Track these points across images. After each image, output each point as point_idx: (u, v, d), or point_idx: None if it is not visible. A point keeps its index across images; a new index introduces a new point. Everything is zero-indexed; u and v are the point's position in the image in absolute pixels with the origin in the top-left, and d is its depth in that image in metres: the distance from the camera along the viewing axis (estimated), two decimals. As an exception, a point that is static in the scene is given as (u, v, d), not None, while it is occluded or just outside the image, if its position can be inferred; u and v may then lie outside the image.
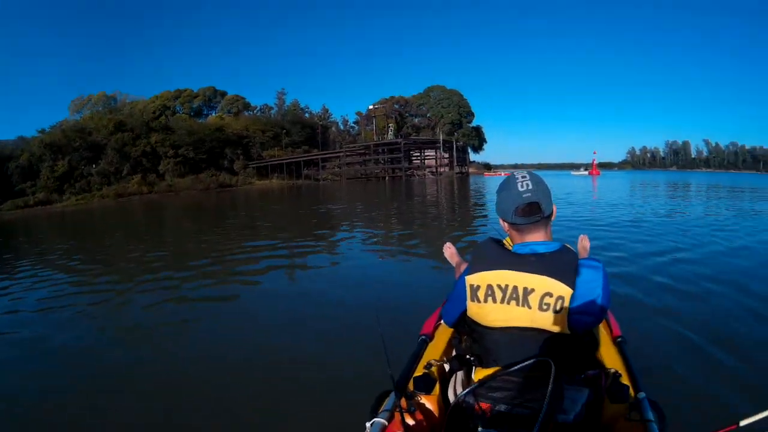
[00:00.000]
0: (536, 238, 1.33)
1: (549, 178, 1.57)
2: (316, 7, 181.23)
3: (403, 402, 1.34)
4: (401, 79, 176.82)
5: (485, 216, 13.51)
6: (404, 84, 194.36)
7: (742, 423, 1.15)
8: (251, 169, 42.18)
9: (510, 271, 1.28)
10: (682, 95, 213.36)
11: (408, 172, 51.91)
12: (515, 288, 1.28)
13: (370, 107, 61.28)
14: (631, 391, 1.48)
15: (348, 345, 3.40)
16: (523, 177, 1.34)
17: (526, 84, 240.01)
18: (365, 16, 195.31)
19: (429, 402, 1.44)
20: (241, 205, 20.58)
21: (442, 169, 56.40)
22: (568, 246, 1.34)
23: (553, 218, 1.39)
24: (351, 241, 8.77)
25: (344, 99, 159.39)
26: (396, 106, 62.86)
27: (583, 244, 2.21)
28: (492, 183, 40.00)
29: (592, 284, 1.27)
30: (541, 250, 1.30)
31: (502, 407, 1.27)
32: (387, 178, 49.12)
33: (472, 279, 1.33)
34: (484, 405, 1.28)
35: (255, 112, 55.55)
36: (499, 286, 1.30)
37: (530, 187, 1.30)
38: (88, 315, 4.47)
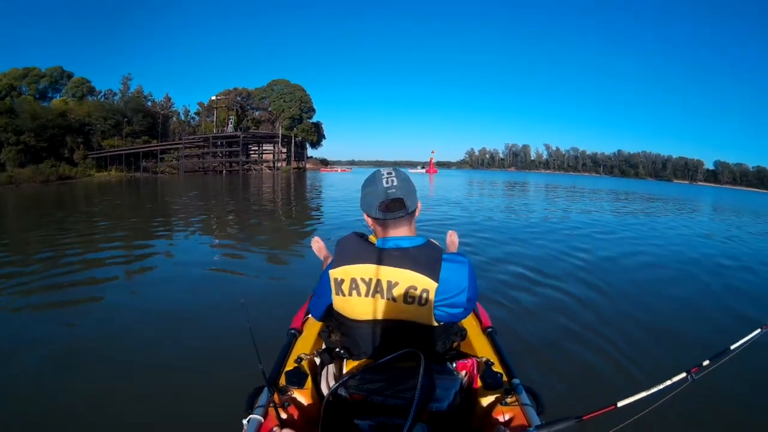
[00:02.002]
0: (400, 233, 1.46)
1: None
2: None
3: (277, 397, 1.43)
4: (247, 70, 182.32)
5: (321, 212, 14.91)
6: (249, 75, 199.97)
7: (620, 404, 1.31)
8: (90, 160, 41.68)
9: (373, 265, 1.41)
10: (527, 103, 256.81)
11: (245, 167, 55.52)
12: (379, 281, 1.40)
13: (213, 98, 63.25)
14: (505, 377, 1.65)
15: (219, 343, 3.56)
16: (388, 173, 1.46)
17: (367, 81, 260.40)
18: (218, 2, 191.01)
19: (302, 396, 1.54)
20: (82, 201, 18.53)
21: (279, 164, 60.60)
22: (433, 241, 1.49)
23: (417, 214, 1.53)
24: (198, 239, 8.84)
25: (188, 88, 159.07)
26: (238, 98, 65.71)
27: (452, 239, 2.32)
28: (328, 179, 42.90)
29: (457, 278, 1.42)
30: (405, 244, 1.43)
31: (376, 398, 1.35)
32: (224, 172, 52.47)
33: (335, 273, 1.45)
34: (357, 396, 1.36)
35: (99, 97, 53.66)
36: (362, 280, 1.42)
37: (395, 183, 1.43)
38: None
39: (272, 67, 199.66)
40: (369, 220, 1.51)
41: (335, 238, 1.60)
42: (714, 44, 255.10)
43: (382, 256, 1.42)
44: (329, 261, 1.55)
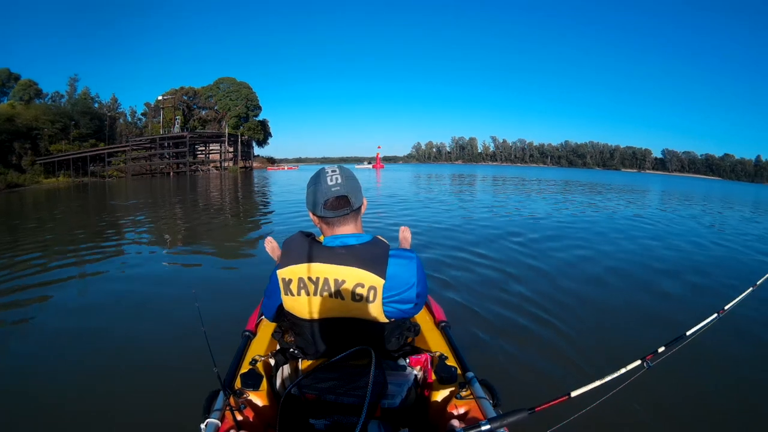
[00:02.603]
0: (346, 231, 1.50)
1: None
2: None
3: (233, 400, 1.46)
4: (194, 68, 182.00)
5: (270, 211, 15.10)
6: (197, 73, 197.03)
7: (573, 394, 1.34)
8: (38, 166, 42.29)
9: (321, 264, 1.43)
10: (473, 96, 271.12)
11: (192, 167, 55.99)
12: (326, 280, 1.43)
13: (159, 98, 63.29)
14: (459, 371, 1.70)
15: (174, 348, 3.60)
16: (333, 171, 1.49)
17: (312, 77, 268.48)
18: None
19: (258, 398, 1.56)
20: (30, 210, 18.21)
21: (226, 164, 61.05)
22: (380, 238, 1.51)
23: (363, 211, 1.56)
24: (148, 245, 8.85)
25: (135, 88, 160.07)
26: (185, 98, 65.94)
27: (404, 235, 2.30)
28: (275, 177, 43.73)
29: (405, 274, 1.45)
30: (352, 242, 1.47)
31: (329, 397, 1.39)
32: (172, 173, 52.84)
33: (283, 273, 1.48)
34: (311, 396, 1.40)
35: (46, 100, 52.39)
36: (310, 279, 1.44)
37: (339, 180, 1.47)
38: None
39: (220, 65, 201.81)
40: (315, 219, 1.54)
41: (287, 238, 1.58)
42: (659, 33, 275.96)
43: (328, 254, 1.43)
44: None
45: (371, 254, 1.45)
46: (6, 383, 3.28)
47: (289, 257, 1.49)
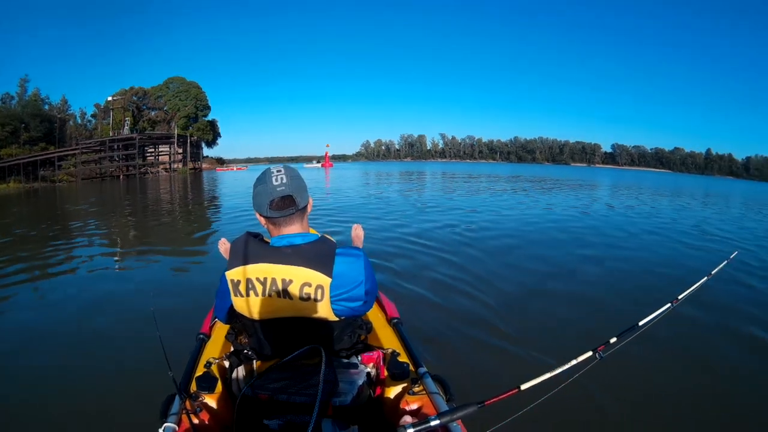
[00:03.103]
0: (292, 231, 1.54)
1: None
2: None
3: (189, 403, 1.49)
4: (144, 68, 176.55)
5: (219, 213, 15.43)
6: (147, 73, 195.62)
7: (523, 387, 1.39)
8: None
9: (268, 264, 1.46)
10: (422, 94, 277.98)
11: (142, 170, 56.10)
12: (274, 280, 1.46)
13: (109, 99, 63.16)
14: (412, 367, 1.74)
15: (129, 354, 3.62)
16: (278, 171, 1.52)
17: (262, 77, 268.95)
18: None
19: (214, 400, 1.60)
20: None
21: (176, 165, 61.25)
22: (327, 236, 1.57)
23: (309, 210, 1.61)
24: (99, 250, 8.89)
25: (85, 89, 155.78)
26: (134, 98, 65.66)
27: (357, 232, 2.37)
28: (225, 178, 44.25)
29: (353, 272, 1.51)
30: (298, 241, 1.51)
31: (282, 396, 1.42)
32: (122, 176, 52.76)
33: (231, 274, 1.51)
34: (264, 396, 1.43)
35: None
36: (258, 279, 1.48)
37: (284, 180, 1.50)
38: None
39: (170, 64, 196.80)
40: (261, 219, 1.58)
41: (235, 239, 1.61)
42: (608, 28, 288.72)
43: (275, 254, 1.47)
44: None
45: (317, 253, 1.48)
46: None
47: (237, 258, 1.51)
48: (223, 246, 2.07)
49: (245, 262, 1.51)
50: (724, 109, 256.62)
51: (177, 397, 1.51)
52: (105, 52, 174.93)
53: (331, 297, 1.50)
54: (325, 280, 1.47)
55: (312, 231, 1.67)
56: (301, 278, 1.47)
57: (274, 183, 1.52)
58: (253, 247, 1.53)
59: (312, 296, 1.49)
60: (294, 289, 1.48)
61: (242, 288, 1.52)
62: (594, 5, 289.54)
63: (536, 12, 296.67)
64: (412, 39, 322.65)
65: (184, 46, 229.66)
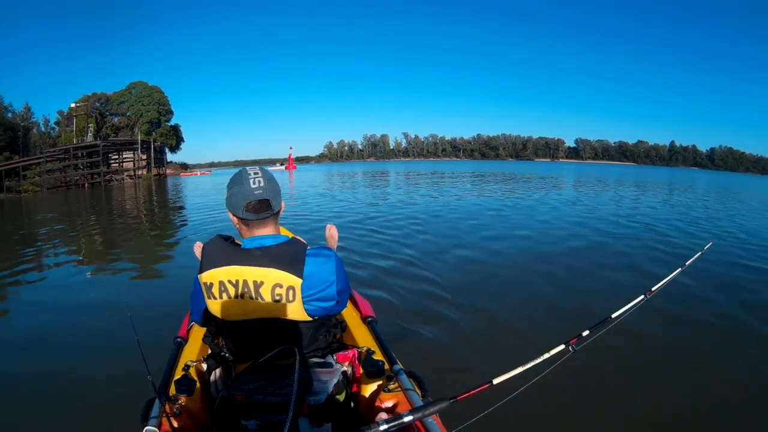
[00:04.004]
0: (265, 233, 1.58)
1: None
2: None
3: (168, 407, 1.50)
4: (106, 72, 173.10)
5: (185, 217, 15.73)
6: (109, 77, 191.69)
7: (495, 381, 1.43)
8: None
9: (239, 266, 1.49)
10: (383, 93, 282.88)
11: (107, 177, 56.38)
12: (246, 282, 1.49)
13: (72, 105, 63.57)
14: (387, 365, 1.77)
15: (108, 359, 3.71)
16: (255, 174, 1.55)
17: (223, 80, 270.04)
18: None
19: (192, 403, 1.64)
20: None
21: (140, 172, 61.51)
22: (298, 238, 1.61)
23: (281, 214, 1.65)
24: (72, 259, 9.02)
25: (48, 95, 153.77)
26: (97, 104, 65.96)
27: (331, 233, 2.44)
28: (189, 183, 44.91)
29: (324, 272, 1.54)
30: (269, 243, 1.54)
31: (257, 397, 1.45)
32: (86, 184, 52.60)
33: (204, 277, 1.54)
34: (240, 397, 1.47)
35: None
36: (230, 282, 1.50)
37: (262, 184, 1.53)
38: None
39: (132, 68, 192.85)
40: (234, 219, 1.60)
41: (206, 242, 1.64)
42: (569, 20, 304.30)
43: (246, 256, 1.50)
44: None
45: (288, 254, 1.51)
46: None
47: (209, 261, 1.54)
48: (199, 249, 2.03)
49: (217, 265, 1.53)
50: (688, 100, 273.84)
51: (156, 401, 1.54)
52: (68, 57, 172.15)
53: (303, 297, 1.53)
54: (296, 281, 1.50)
55: (284, 232, 1.75)
56: (272, 280, 1.50)
57: (252, 186, 1.54)
58: (224, 250, 1.56)
59: (284, 297, 1.51)
60: (266, 291, 1.51)
61: (215, 290, 1.54)
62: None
63: (495, 7, 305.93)
64: (374, 38, 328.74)
65: (147, 49, 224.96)
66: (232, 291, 1.54)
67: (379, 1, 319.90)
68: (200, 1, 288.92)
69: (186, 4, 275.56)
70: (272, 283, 1.52)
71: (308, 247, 1.61)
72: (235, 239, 1.66)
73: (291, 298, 1.53)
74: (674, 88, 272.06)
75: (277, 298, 1.53)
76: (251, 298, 1.54)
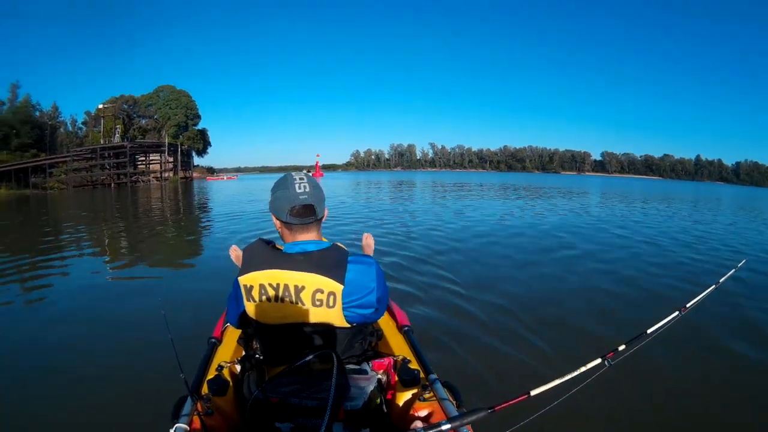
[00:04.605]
0: (307, 238, 1.59)
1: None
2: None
3: (200, 405, 1.53)
4: (135, 75, 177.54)
5: (215, 221, 15.43)
6: (138, 80, 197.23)
7: (533, 393, 1.41)
8: None
9: (280, 270, 1.50)
10: (411, 103, 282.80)
11: (133, 178, 56.74)
12: (286, 286, 1.50)
13: (100, 106, 64.25)
14: (422, 374, 1.78)
15: (141, 356, 3.75)
16: (300, 179, 1.57)
17: (252, 86, 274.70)
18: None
19: (225, 403, 1.66)
20: None
21: (167, 174, 62.00)
22: (339, 244, 1.59)
23: (324, 219, 1.66)
24: (100, 256, 9.22)
25: (76, 96, 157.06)
26: (125, 106, 66.48)
27: (368, 241, 2.48)
28: (215, 187, 45.19)
29: (364, 279, 1.55)
30: (311, 248, 1.54)
31: (293, 400, 1.46)
32: (113, 184, 53.00)
33: (244, 280, 1.55)
34: (275, 399, 1.48)
35: None
36: (271, 285, 1.51)
37: (307, 189, 1.55)
38: None
39: (159, 71, 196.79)
40: (277, 223, 1.62)
41: (248, 245, 1.66)
42: (596, 36, 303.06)
43: (288, 260, 1.51)
44: None
45: (330, 260, 1.51)
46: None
47: (250, 264, 1.55)
48: (234, 253, 2.15)
49: (258, 268, 1.54)
50: (713, 115, 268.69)
51: (188, 399, 1.55)
52: (96, 59, 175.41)
53: (342, 304, 1.52)
54: (337, 287, 1.50)
55: (324, 239, 1.70)
56: (314, 285, 1.50)
57: (297, 190, 1.55)
58: (266, 254, 1.57)
59: (324, 303, 1.52)
60: (306, 296, 1.51)
61: (255, 293, 1.55)
62: (582, 13, 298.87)
63: (526, 20, 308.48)
64: (404, 48, 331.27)
65: (175, 54, 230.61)
66: (272, 294, 1.54)
67: (412, 11, 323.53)
68: (231, 8, 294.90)
69: (217, 11, 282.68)
70: (313, 288, 1.51)
71: (350, 254, 1.57)
72: (276, 244, 1.65)
73: (331, 303, 1.52)
74: (700, 101, 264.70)
75: (318, 303, 1.52)
76: (291, 302, 1.53)
